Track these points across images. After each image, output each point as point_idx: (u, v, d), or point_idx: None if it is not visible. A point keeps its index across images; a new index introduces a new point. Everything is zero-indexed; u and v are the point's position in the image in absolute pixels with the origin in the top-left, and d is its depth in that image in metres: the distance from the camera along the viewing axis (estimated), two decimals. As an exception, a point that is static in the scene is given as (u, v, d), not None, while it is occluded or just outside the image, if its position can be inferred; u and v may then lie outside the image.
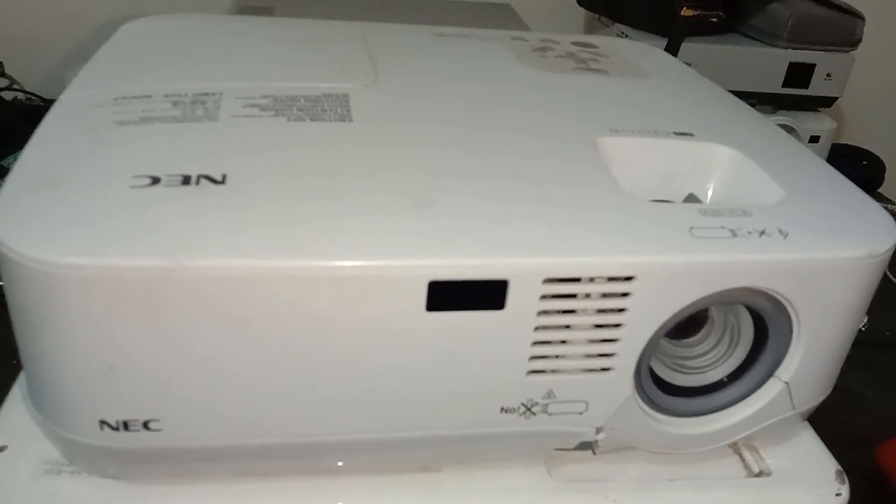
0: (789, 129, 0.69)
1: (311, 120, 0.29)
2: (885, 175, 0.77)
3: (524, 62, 0.38)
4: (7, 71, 0.69)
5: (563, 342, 0.25)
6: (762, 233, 0.25)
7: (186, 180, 0.24)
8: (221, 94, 0.30)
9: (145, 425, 0.24)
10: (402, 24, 0.44)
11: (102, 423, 0.24)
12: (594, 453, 0.28)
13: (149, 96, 0.30)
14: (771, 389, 0.28)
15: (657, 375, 0.28)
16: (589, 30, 0.83)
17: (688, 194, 0.31)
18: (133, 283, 0.22)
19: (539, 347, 0.25)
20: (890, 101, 0.91)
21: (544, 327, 0.25)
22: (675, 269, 0.24)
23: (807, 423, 0.32)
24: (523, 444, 0.28)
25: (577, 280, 0.24)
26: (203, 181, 0.24)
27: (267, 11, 0.63)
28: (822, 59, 0.68)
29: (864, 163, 0.78)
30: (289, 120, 0.29)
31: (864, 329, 0.53)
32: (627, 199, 0.26)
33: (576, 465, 0.29)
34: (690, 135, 0.31)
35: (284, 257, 0.22)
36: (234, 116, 0.29)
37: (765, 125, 0.35)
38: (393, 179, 0.26)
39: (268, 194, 0.24)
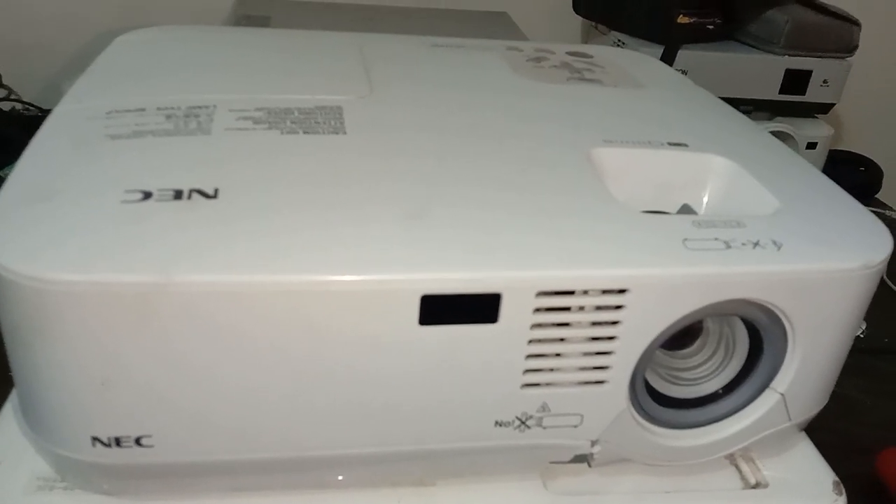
0: (786, 136, 0.69)
1: (305, 133, 0.29)
2: (883, 181, 0.77)
3: (519, 72, 0.38)
4: (5, 81, 0.69)
5: (558, 355, 0.25)
6: (756, 244, 0.25)
7: (178, 195, 0.24)
8: (215, 106, 0.30)
9: (137, 441, 0.24)
10: (399, 34, 0.44)
11: (94, 439, 0.24)
12: (590, 466, 0.28)
13: (142, 109, 0.30)
14: (767, 401, 0.28)
15: (652, 387, 0.28)
16: (586, 37, 0.83)
17: (682, 205, 0.31)
18: (124, 299, 0.22)
19: (533, 361, 0.25)
20: (887, 107, 0.91)
21: (538, 340, 0.24)
22: (668, 281, 0.24)
23: (804, 434, 0.32)
24: (518, 458, 0.28)
25: (570, 293, 0.24)
26: (195, 195, 0.24)
27: (264, 22, 0.63)
28: (818, 66, 0.68)
29: (862, 169, 0.78)
30: (282, 133, 0.29)
31: (862, 336, 0.53)
32: (621, 211, 0.26)
33: (571, 477, 0.29)
34: (685, 145, 0.31)
35: (276, 272, 0.22)
36: (227, 129, 0.29)
37: (759, 135, 0.35)
38: (386, 192, 0.26)
39: (260, 208, 0.24)
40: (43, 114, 0.65)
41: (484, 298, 0.23)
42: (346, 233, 0.24)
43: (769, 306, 0.26)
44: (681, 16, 0.66)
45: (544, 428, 0.26)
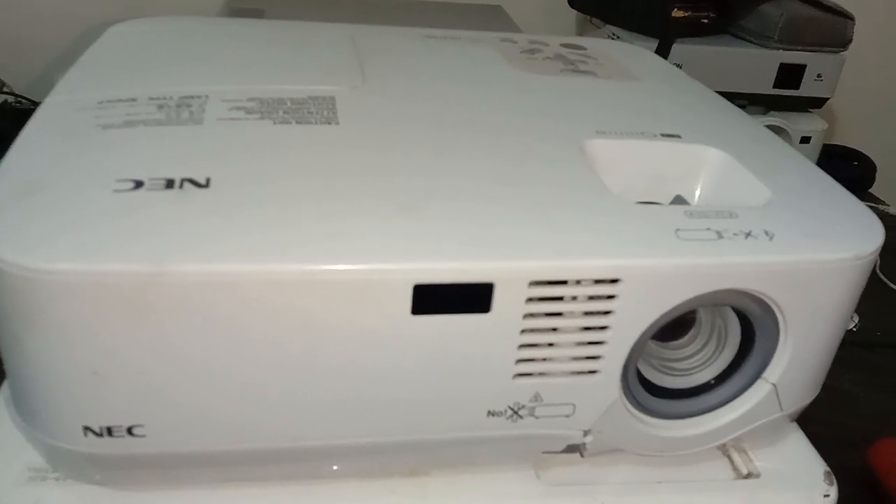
0: (780, 130, 0.70)
1: (297, 123, 0.29)
2: (876, 175, 0.77)
3: (512, 64, 0.38)
4: (-3, 74, 0.69)
5: (550, 345, 0.25)
6: (748, 234, 0.25)
7: (170, 184, 0.24)
8: (207, 96, 0.30)
9: (129, 431, 0.24)
10: (393, 25, 0.44)
11: (86, 429, 0.24)
12: (582, 456, 0.28)
13: (134, 99, 0.29)
14: (758, 391, 0.28)
15: (645, 378, 0.28)
16: (580, 31, 0.83)
17: (675, 196, 0.31)
18: (115, 289, 0.21)
19: (525, 350, 0.25)
20: (880, 102, 0.91)
21: (530, 330, 0.24)
22: (660, 271, 0.24)
23: (795, 425, 0.32)
24: (511, 448, 0.28)
25: (562, 283, 0.24)
26: (186, 185, 0.24)
27: (257, 14, 0.63)
28: (812, 60, 0.68)
29: (855, 163, 0.78)
30: (274, 123, 0.29)
31: (855, 329, 0.53)
32: (613, 202, 0.26)
33: (564, 467, 0.29)
34: (678, 136, 0.31)
35: (268, 261, 0.22)
36: (219, 119, 0.28)
37: (752, 127, 0.35)
38: (378, 182, 0.26)
39: (251, 197, 0.24)
40: (35, 106, 0.65)
41: (476, 288, 0.23)
42: (338, 222, 0.24)
43: (761, 296, 0.26)
44: (675, 10, 0.66)
45: (537, 418, 0.26)
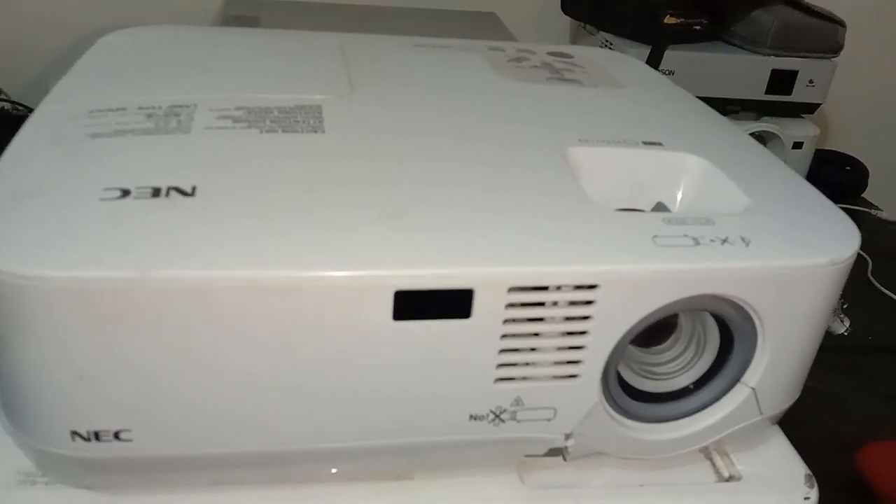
0: (772, 136, 0.70)
1: (284, 131, 0.29)
2: (869, 180, 0.77)
3: (499, 72, 0.39)
4: (-7, 81, 0.69)
5: (530, 350, 0.25)
6: (724, 241, 0.26)
7: (156, 192, 0.25)
8: (195, 105, 0.31)
9: (116, 436, 0.24)
10: (387, 34, 0.45)
11: (74, 433, 0.24)
12: (565, 460, 0.29)
13: (123, 109, 0.30)
14: (738, 395, 0.29)
15: (626, 382, 0.28)
16: (574, 38, 0.84)
17: (656, 203, 0.31)
18: (101, 295, 0.22)
19: (506, 355, 0.25)
20: (872, 107, 0.92)
21: (511, 335, 0.25)
22: (637, 276, 0.25)
23: (777, 428, 0.33)
24: (493, 451, 0.28)
25: (542, 289, 0.24)
26: (173, 193, 0.25)
27: (252, 22, 0.63)
28: (804, 66, 0.68)
29: (848, 168, 0.79)
30: (261, 132, 0.29)
31: (846, 334, 0.53)
32: (592, 209, 0.27)
33: (547, 471, 0.30)
34: (659, 144, 0.32)
35: (252, 268, 0.23)
36: (206, 128, 0.29)
37: (735, 134, 0.36)
38: (361, 190, 0.26)
39: (237, 206, 0.25)
40: (31, 113, 0.65)
41: (456, 294, 0.24)
42: (320, 230, 0.24)
43: (738, 302, 0.26)
44: (668, 16, 0.67)
45: (518, 421, 0.27)
